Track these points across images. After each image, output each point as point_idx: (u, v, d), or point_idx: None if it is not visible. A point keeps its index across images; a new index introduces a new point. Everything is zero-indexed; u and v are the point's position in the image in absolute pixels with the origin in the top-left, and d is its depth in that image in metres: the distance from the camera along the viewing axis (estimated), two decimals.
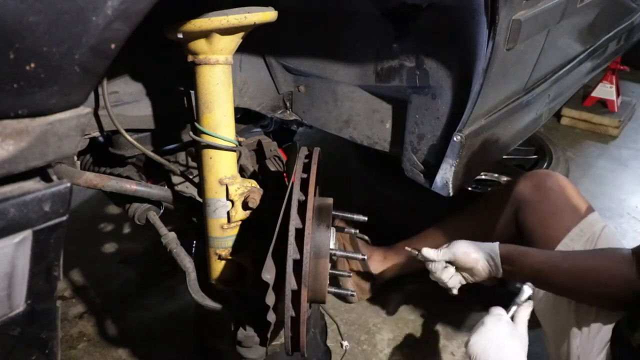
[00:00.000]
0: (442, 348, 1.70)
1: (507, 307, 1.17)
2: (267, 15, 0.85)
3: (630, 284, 1.09)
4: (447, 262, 1.28)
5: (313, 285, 0.84)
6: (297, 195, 0.81)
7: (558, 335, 1.36)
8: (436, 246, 1.73)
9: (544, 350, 1.46)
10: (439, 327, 1.78)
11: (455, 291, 1.30)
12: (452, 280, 1.28)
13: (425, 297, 1.91)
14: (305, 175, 0.85)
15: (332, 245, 0.94)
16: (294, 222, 0.79)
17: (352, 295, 0.95)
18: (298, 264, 0.78)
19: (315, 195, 0.88)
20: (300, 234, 0.79)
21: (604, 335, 1.21)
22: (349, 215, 0.99)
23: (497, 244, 1.24)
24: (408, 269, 1.82)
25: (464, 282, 1.30)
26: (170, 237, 1.08)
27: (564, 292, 1.24)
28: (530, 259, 1.22)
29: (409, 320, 1.79)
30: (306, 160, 0.89)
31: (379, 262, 1.77)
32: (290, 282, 0.78)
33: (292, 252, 0.78)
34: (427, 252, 1.26)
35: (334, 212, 0.96)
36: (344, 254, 0.95)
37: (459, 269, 1.27)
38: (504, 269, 1.23)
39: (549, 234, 1.42)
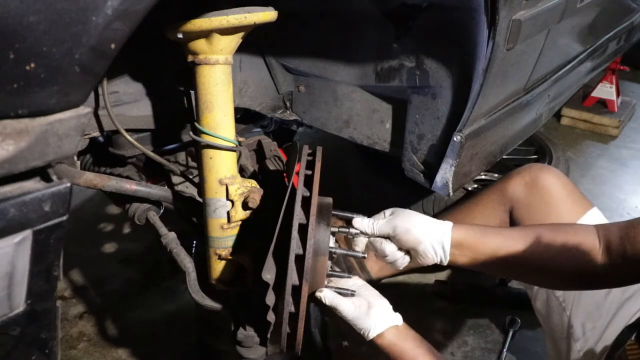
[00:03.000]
0: (442, 348, 1.70)
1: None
2: (267, 15, 0.85)
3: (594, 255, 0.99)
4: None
5: (312, 283, 0.84)
6: (301, 190, 0.81)
7: (557, 336, 1.36)
8: None
9: (544, 350, 1.47)
10: (439, 327, 1.78)
11: (401, 267, 1.03)
12: (395, 254, 1.01)
13: (425, 297, 1.91)
14: (309, 172, 0.85)
15: (331, 244, 0.94)
16: (298, 216, 0.79)
17: (353, 295, 0.95)
18: (300, 259, 0.78)
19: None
20: (303, 229, 0.78)
21: (604, 343, 1.20)
22: (349, 215, 0.99)
23: (450, 225, 1.00)
24: (405, 268, 1.81)
25: (408, 261, 1.03)
26: (170, 237, 1.07)
27: (523, 274, 1.09)
28: (487, 244, 1.00)
29: (408, 320, 1.79)
30: (309, 158, 0.89)
31: (376, 261, 1.76)
32: (292, 277, 0.78)
33: (295, 246, 0.77)
34: (360, 223, 0.98)
35: (333, 212, 0.96)
36: (344, 252, 0.95)
37: (400, 245, 1.01)
38: (453, 255, 1.00)
39: None
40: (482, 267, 1.04)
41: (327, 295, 0.89)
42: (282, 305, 0.80)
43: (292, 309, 0.79)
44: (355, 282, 0.98)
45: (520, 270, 1.04)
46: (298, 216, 0.79)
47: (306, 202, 0.80)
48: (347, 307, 0.90)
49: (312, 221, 0.78)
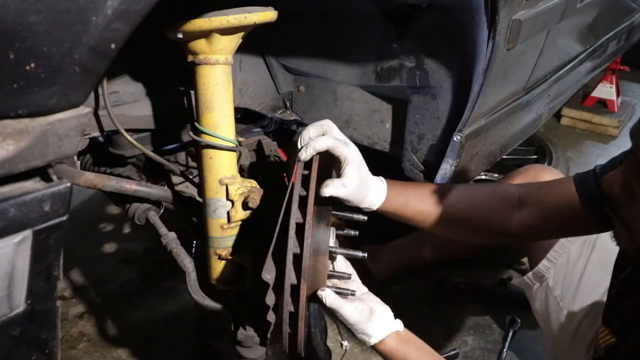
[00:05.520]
0: (442, 348, 1.70)
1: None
2: (267, 15, 0.85)
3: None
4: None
5: (312, 283, 0.84)
6: (298, 190, 0.81)
7: (555, 335, 1.36)
8: (433, 245, 1.72)
9: (543, 350, 1.47)
10: (439, 327, 1.78)
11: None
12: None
13: (425, 297, 1.91)
14: (306, 172, 0.85)
15: (331, 244, 0.94)
16: (295, 216, 0.79)
17: (353, 295, 0.95)
18: (298, 259, 0.78)
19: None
20: (300, 228, 0.78)
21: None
22: (349, 215, 0.99)
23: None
24: (404, 267, 1.81)
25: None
26: (170, 237, 1.07)
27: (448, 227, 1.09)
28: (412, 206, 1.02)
29: (408, 320, 1.79)
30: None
31: (375, 261, 1.76)
32: (290, 277, 0.78)
33: (292, 245, 0.77)
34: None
35: (333, 212, 0.96)
36: (344, 251, 0.95)
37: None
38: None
39: None
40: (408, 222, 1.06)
41: (328, 296, 0.88)
42: (282, 306, 0.80)
43: (292, 308, 0.79)
44: (359, 289, 0.98)
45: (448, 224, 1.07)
46: (295, 215, 0.79)
47: (304, 202, 0.80)
48: (349, 311, 0.89)
49: (309, 220, 0.78)
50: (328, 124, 0.92)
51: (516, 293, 1.84)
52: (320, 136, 0.89)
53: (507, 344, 1.68)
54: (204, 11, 0.79)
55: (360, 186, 0.92)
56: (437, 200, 1.02)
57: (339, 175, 0.91)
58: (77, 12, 0.49)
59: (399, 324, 0.94)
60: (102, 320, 1.80)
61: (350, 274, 0.97)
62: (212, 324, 1.27)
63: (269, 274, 0.80)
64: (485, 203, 1.05)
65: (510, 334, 1.71)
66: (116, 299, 1.90)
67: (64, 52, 0.50)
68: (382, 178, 1.00)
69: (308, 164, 0.86)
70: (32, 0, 0.47)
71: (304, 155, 0.87)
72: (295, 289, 0.78)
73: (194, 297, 1.05)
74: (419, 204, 1.02)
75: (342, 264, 1.00)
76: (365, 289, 0.99)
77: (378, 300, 0.96)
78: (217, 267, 1.01)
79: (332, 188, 0.87)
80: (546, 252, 1.38)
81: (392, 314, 0.95)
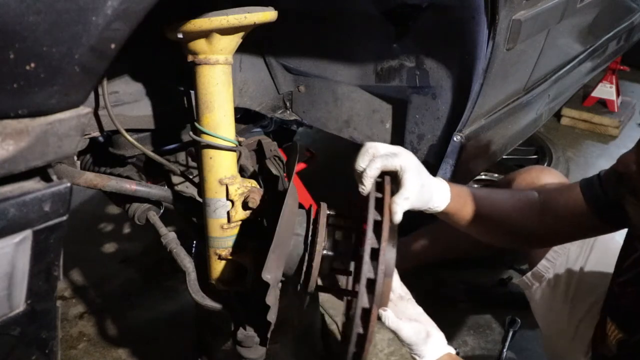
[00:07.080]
0: None
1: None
2: (267, 15, 0.85)
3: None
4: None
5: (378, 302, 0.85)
6: (372, 215, 0.81)
7: (555, 335, 1.36)
8: (434, 245, 1.72)
9: (543, 350, 1.47)
10: (439, 327, 1.78)
11: None
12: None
13: (425, 297, 1.90)
14: (379, 195, 0.84)
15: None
16: (370, 241, 0.79)
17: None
18: (371, 284, 0.79)
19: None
20: (375, 253, 0.79)
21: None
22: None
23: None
24: (405, 267, 1.81)
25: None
26: (170, 237, 1.08)
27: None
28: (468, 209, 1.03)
29: None
30: (379, 179, 0.89)
31: None
32: (363, 301, 0.79)
33: (367, 270, 0.79)
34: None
35: (332, 212, 0.96)
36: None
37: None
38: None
39: None
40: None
41: (389, 317, 0.90)
42: (350, 327, 0.81)
43: (361, 330, 0.80)
44: (414, 308, 1.00)
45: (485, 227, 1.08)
46: (370, 241, 0.79)
47: (378, 227, 0.80)
48: (408, 333, 0.92)
49: (384, 247, 0.79)
50: (371, 147, 0.93)
51: (516, 293, 1.83)
52: (370, 161, 0.90)
53: (507, 344, 1.68)
54: (204, 11, 0.80)
55: (422, 190, 0.92)
56: (486, 203, 1.04)
57: (399, 186, 0.91)
58: (77, 12, 0.49)
59: (451, 349, 0.97)
60: (102, 320, 1.80)
61: (351, 273, 0.97)
62: (212, 324, 1.26)
63: (269, 274, 0.80)
64: (520, 207, 1.07)
65: (510, 334, 1.71)
66: (116, 299, 1.90)
67: (64, 52, 0.50)
68: (441, 179, 1.00)
69: (380, 186, 0.86)
70: (32, 0, 0.47)
71: (366, 189, 0.88)
72: (367, 313, 0.79)
73: (194, 297, 1.05)
74: (472, 206, 1.03)
75: (397, 282, 1.01)
76: (420, 309, 1.00)
77: (432, 323, 0.99)
78: (217, 267, 1.01)
79: (399, 208, 0.86)
80: (545, 252, 1.38)
81: (445, 340, 0.97)
